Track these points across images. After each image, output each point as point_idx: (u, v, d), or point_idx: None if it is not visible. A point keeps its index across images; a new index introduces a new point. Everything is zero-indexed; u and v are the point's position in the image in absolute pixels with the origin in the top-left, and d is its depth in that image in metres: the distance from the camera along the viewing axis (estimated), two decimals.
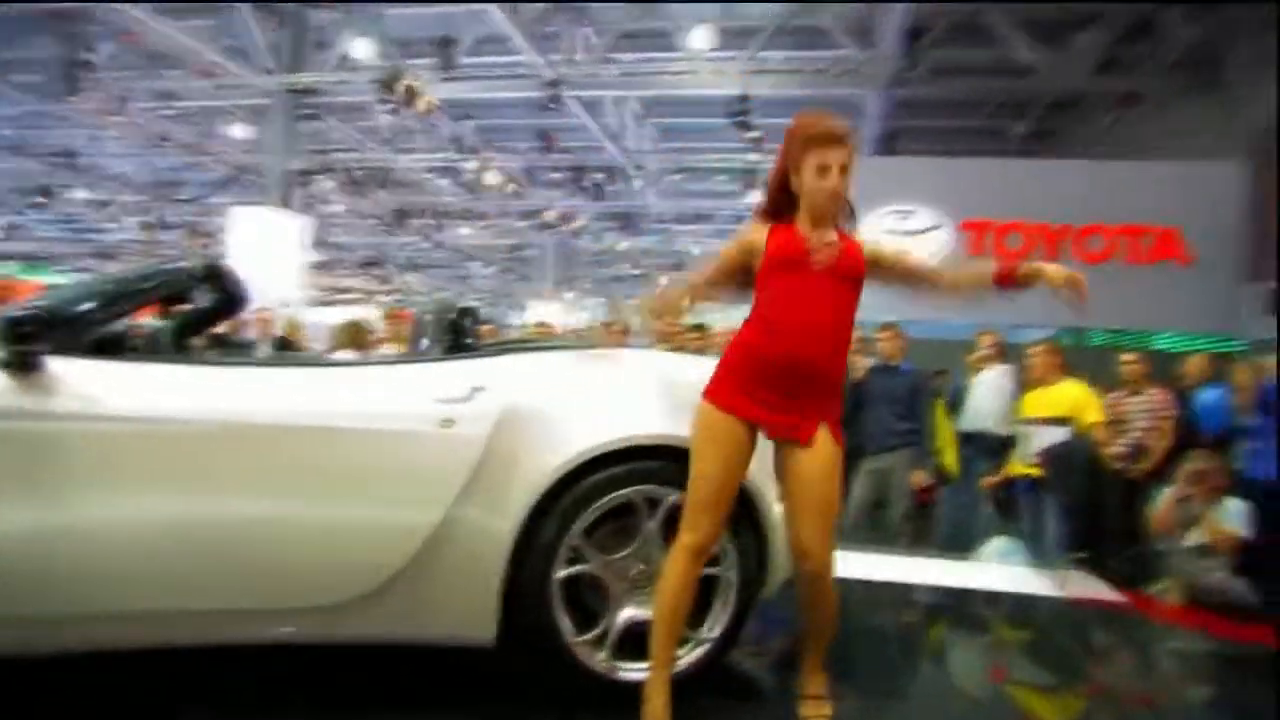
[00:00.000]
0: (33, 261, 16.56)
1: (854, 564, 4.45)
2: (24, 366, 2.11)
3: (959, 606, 4.26)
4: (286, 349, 6.35)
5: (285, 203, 12.43)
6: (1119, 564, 4.65)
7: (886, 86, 11.08)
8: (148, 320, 2.83)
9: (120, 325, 2.56)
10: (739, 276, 2.43)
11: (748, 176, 14.90)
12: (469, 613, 2.38)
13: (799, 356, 2.25)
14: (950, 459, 5.50)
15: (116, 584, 2.17)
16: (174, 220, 17.94)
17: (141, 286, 2.60)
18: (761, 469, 2.51)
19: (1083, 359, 6.14)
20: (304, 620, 2.31)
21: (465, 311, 2.84)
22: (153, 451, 2.19)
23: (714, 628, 2.54)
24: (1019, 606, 4.21)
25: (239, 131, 14.33)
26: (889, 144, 13.08)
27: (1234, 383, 5.18)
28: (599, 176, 15.16)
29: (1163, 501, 4.67)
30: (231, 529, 2.22)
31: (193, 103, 13.31)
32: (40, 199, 15.79)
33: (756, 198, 13.93)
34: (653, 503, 2.47)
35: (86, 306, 2.36)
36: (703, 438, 2.29)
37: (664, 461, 2.46)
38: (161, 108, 12.77)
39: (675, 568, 2.26)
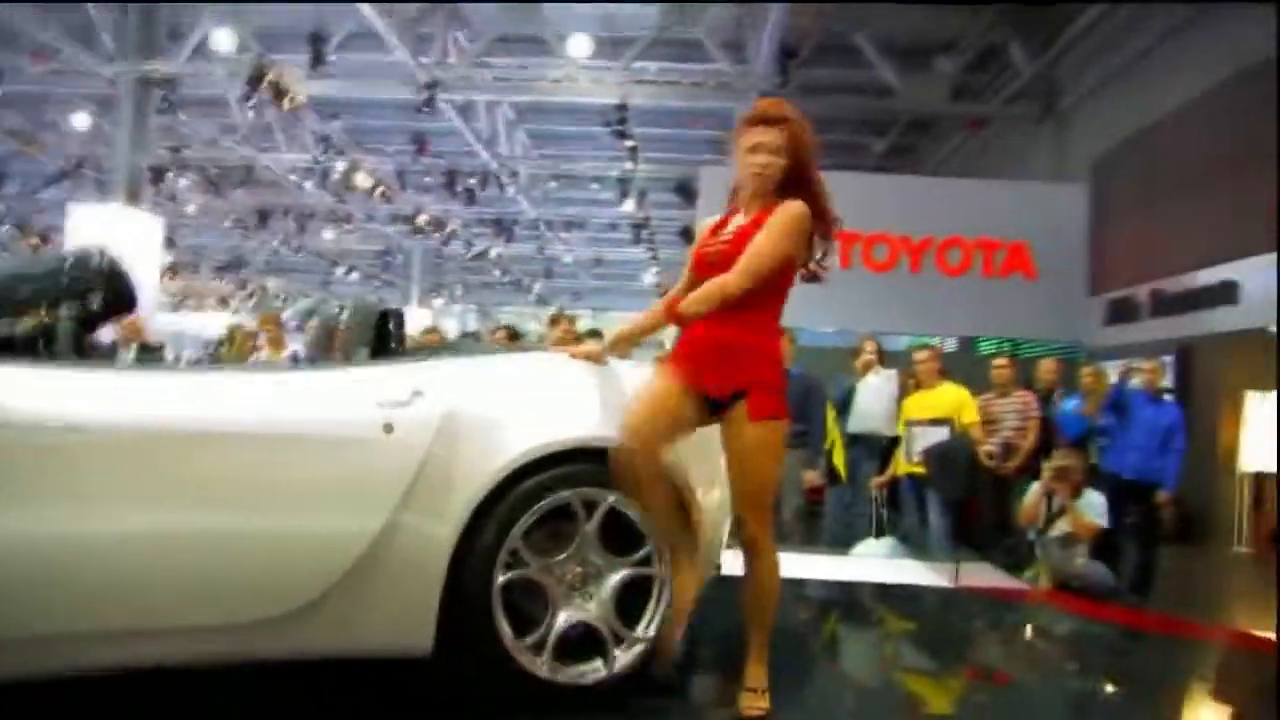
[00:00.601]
0: None
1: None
2: None
3: (850, 599, 4.45)
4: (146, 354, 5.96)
5: (133, 200, 11.61)
6: (995, 554, 4.98)
7: (757, 99, 11.48)
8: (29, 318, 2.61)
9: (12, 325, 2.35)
10: None
11: (623, 184, 15.07)
12: (408, 622, 2.32)
13: (707, 337, 2.48)
14: (839, 459, 5.75)
15: (34, 605, 1.99)
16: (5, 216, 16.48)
17: (34, 282, 2.40)
18: (689, 457, 2.57)
19: (956, 364, 6.55)
20: (236, 637, 2.18)
21: (389, 315, 2.76)
22: (73, 462, 2.03)
23: (650, 627, 2.56)
24: (907, 597, 4.44)
25: (80, 121, 13.29)
26: None
27: (1082, 388, 5.63)
28: (472, 181, 14.95)
29: (1030, 495, 5.03)
30: (159, 542, 2.08)
31: (24, 87, 12.27)
32: None
33: (628, 206, 14.14)
34: (590, 505, 2.46)
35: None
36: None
37: (601, 464, 2.47)
38: None
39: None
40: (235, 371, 2.61)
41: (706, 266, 2.52)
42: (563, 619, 2.46)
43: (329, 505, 2.22)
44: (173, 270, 17.93)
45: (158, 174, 12.67)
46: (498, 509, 2.35)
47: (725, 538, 2.89)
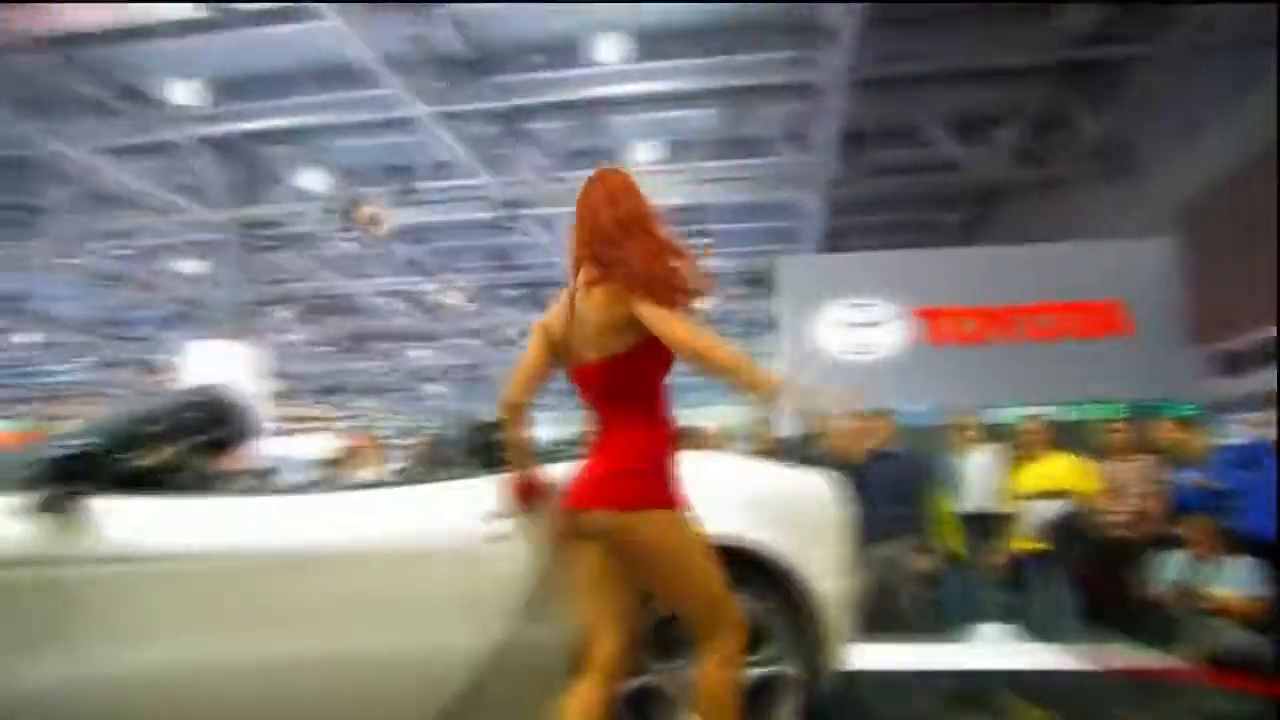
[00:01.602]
0: None
1: (866, 655, 4.41)
2: (63, 507, 2.04)
3: (981, 690, 4.20)
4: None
5: (239, 334, 12.31)
6: (1133, 630, 4.66)
7: (825, 188, 11.61)
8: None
9: (142, 460, 2.49)
10: None
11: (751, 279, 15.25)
12: None
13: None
14: (953, 540, 5.53)
15: None
16: (124, 358, 17.58)
17: (157, 418, 2.54)
18: (802, 545, 2.52)
19: (1064, 433, 6.29)
20: None
21: (492, 426, 2.82)
22: (199, 587, 2.11)
23: None
24: (1043, 684, 4.17)
25: (189, 266, 14.26)
26: (833, 242, 13.61)
27: (1194, 449, 5.29)
28: (551, 291, 15.36)
29: (1172, 565, 4.73)
30: (289, 664, 2.12)
31: (145, 242, 13.27)
32: None
33: (707, 302, 14.15)
34: None
35: (113, 443, 2.30)
36: (697, 542, 2.19)
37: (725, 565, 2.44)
38: (112, 248, 12.68)
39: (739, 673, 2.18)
40: (352, 491, 2.68)
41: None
42: None
43: (444, 621, 2.24)
44: (279, 397, 18.76)
45: (259, 308, 13.40)
46: None
47: (850, 632, 2.80)
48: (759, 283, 14.40)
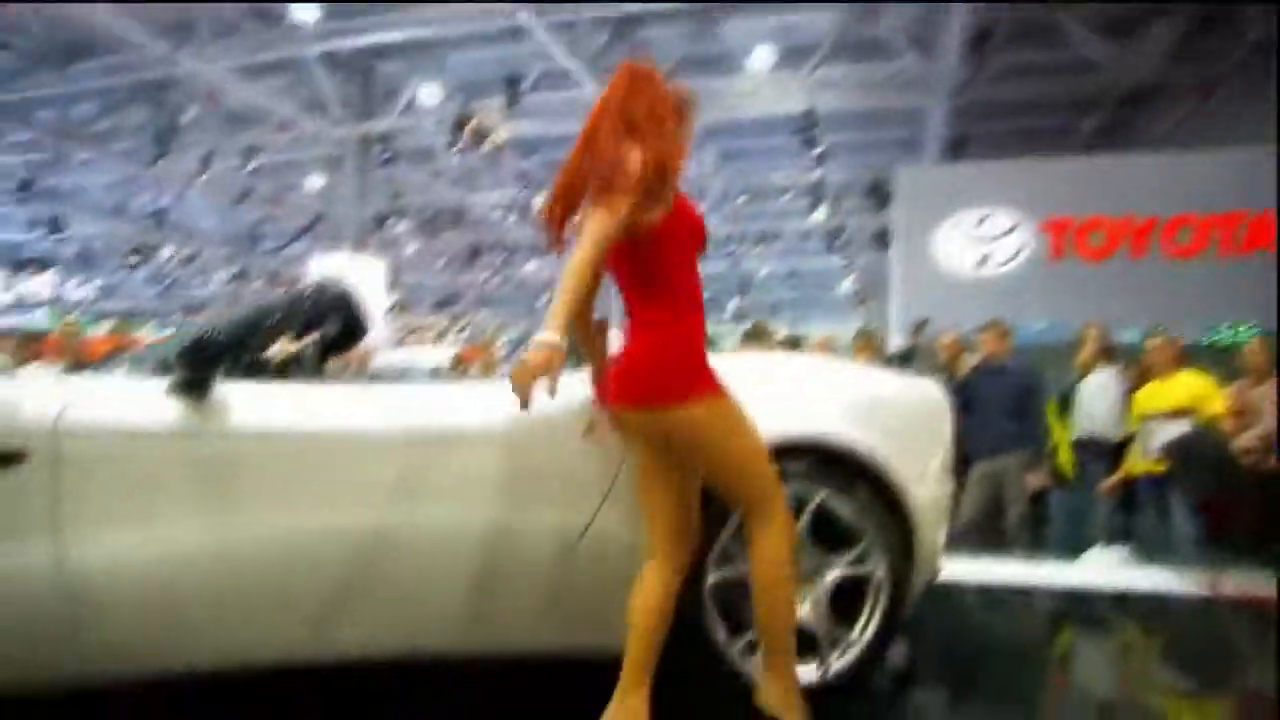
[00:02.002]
0: (130, 318, 17.33)
1: (969, 569, 4.38)
2: (196, 389, 2.22)
3: (1085, 610, 4.13)
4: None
5: (360, 247, 12.82)
6: (1259, 560, 4.44)
7: (950, 94, 11.00)
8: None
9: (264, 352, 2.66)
10: None
11: (814, 193, 14.89)
12: (618, 620, 2.39)
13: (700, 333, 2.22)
14: (1064, 460, 5.36)
15: (290, 595, 2.25)
16: (257, 271, 18.61)
17: (280, 312, 2.70)
18: (898, 449, 2.51)
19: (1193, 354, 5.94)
20: (466, 632, 2.35)
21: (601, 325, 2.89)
22: (320, 464, 2.27)
23: (866, 629, 2.51)
24: (1151, 607, 4.06)
25: (314, 182, 14.84)
26: (957, 151, 12.96)
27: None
28: None
29: None
30: (397, 538, 2.28)
31: (272, 158, 13.85)
32: (134, 258, 16.56)
33: (820, 214, 13.73)
34: (799, 503, 2.46)
35: (240, 333, 2.47)
36: (741, 414, 2.15)
37: (810, 461, 2.46)
38: (243, 165, 13.30)
39: (791, 552, 2.19)
40: (450, 385, 2.81)
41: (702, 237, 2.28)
42: None
43: (536, 504, 2.33)
44: (396, 309, 19.47)
45: (379, 222, 13.87)
46: (709, 508, 2.38)
47: (943, 540, 2.79)
48: (876, 195, 13.94)
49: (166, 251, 16.26)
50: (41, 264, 18.09)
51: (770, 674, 2.19)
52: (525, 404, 1.85)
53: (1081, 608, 4.13)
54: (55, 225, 14.87)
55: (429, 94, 12.07)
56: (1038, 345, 7.84)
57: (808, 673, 2.45)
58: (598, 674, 2.21)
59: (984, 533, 5.05)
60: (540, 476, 2.38)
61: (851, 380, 2.80)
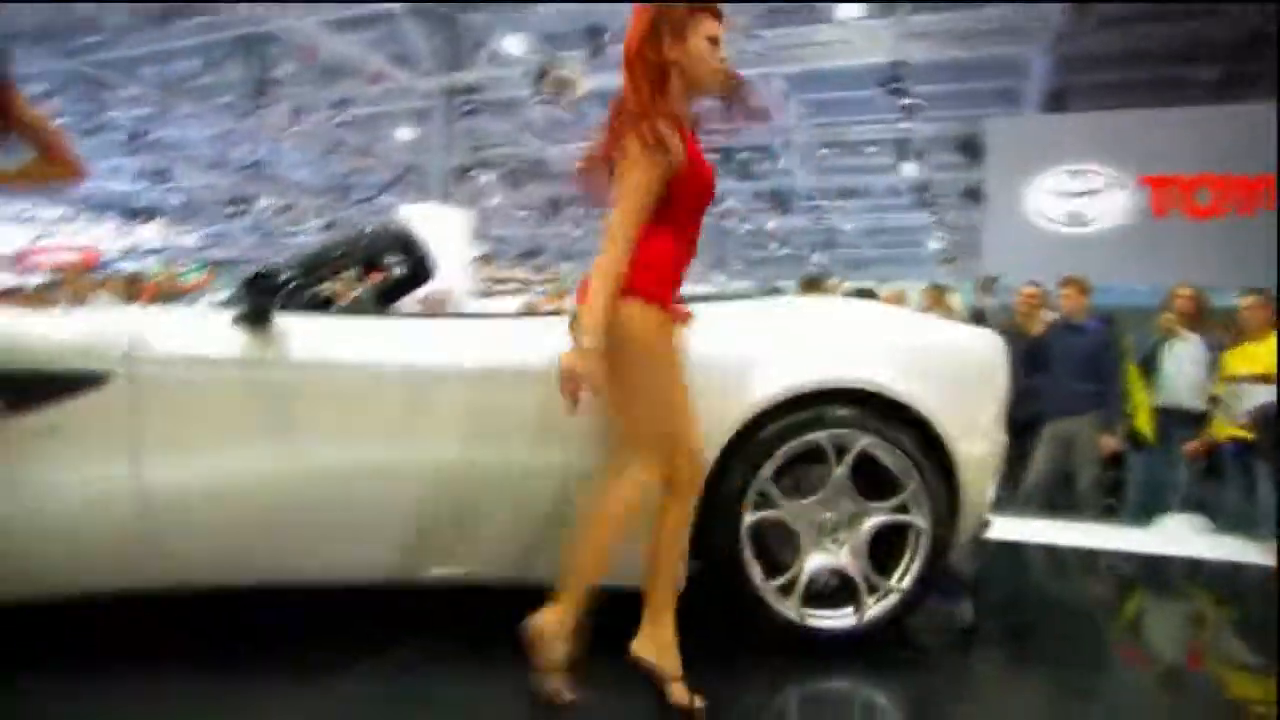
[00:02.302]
0: (233, 265, 18.17)
1: (1037, 530, 4.30)
2: (258, 320, 2.35)
3: (1156, 575, 4.02)
4: None
5: (448, 199, 13.05)
6: None
7: (1052, 42, 10.46)
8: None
9: (327, 289, 2.79)
10: None
11: (901, 146, 14.46)
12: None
13: (686, 265, 2.20)
14: (1143, 422, 5.16)
15: (350, 518, 2.38)
16: (348, 220, 19.16)
17: (343, 250, 2.81)
18: (949, 407, 2.48)
19: None
20: (499, 560, 2.45)
21: None
22: (375, 396, 2.38)
23: (905, 577, 2.51)
24: (1227, 575, 3.92)
25: (404, 133, 15.13)
26: (1056, 103, 12.35)
27: None
28: (745, 155, 15.06)
29: None
30: (443, 469, 2.38)
31: (363, 110, 14.17)
32: (235, 208, 17.28)
33: (909, 169, 13.22)
34: (842, 449, 2.46)
35: (301, 268, 2.59)
36: (658, 349, 2.06)
37: (852, 407, 2.46)
38: (335, 116, 13.64)
39: (631, 508, 2.10)
40: (509, 320, 2.88)
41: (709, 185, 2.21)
42: (813, 563, 2.48)
43: (577, 442, 2.38)
44: (482, 259, 19.82)
45: (464, 173, 14.08)
46: (747, 449, 2.42)
47: (991, 495, 2.76)
48: (968, 149, 13.42)
49: (263, 202, 16.90)
50: (150, 213, 19.08)
51: (555, 601, 2.09)
52: (574, 408, 1.95)
53: (1152, 574, 4.02)
54: (162, 176, 15.61)
55: (513, 45, 12.13)
56: (1132, 307, 7.52)
57: (845, 616, 2.49)
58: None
59: (1054, 494, 4.93)
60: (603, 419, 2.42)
61: (901, 327, 2.77)
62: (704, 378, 2.41)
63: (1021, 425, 4.99)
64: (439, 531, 2.42)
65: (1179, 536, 4.46)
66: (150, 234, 20.20)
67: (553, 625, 2.06)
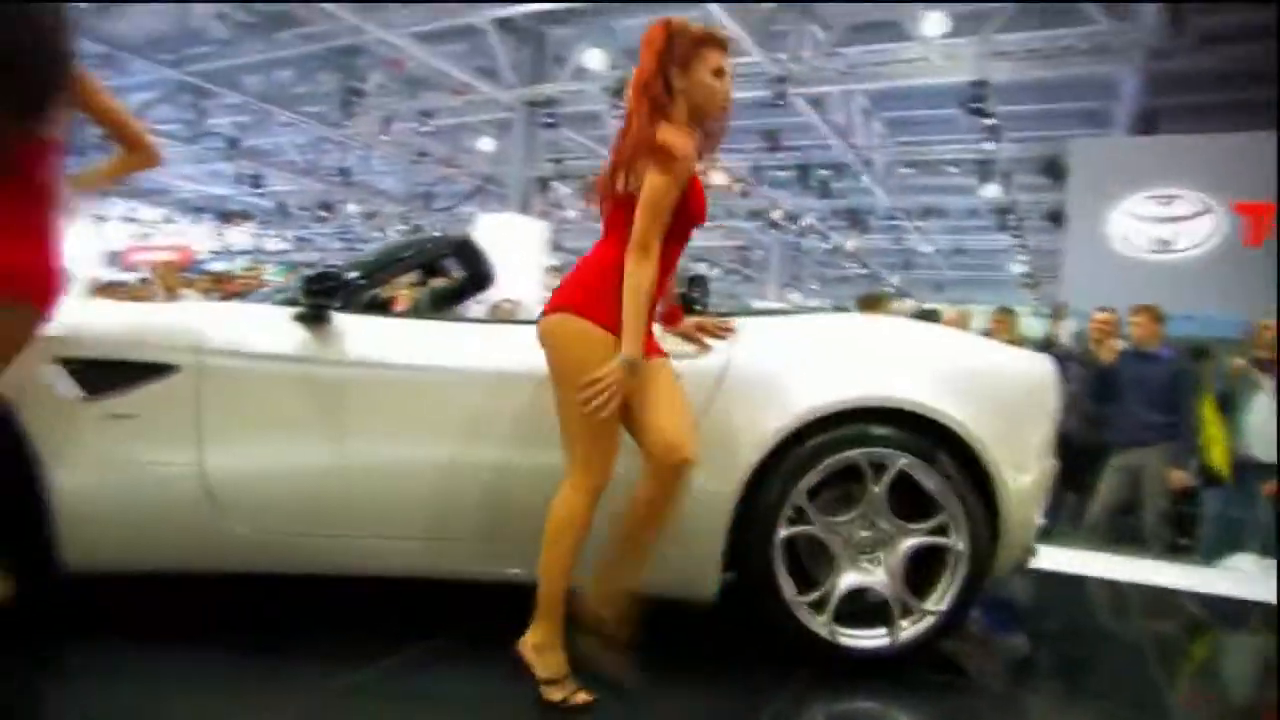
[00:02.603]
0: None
1: (1100, 564, 4.17)
2: (317, 319, 2.47)
3: (1224, 616, 3.85)
4: None
5: (525, 209, 13.31)
6: None
7: (1145, 60, 10.14)
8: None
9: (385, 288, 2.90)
10: None
11: (983, 167, 14.16)
12: (690, 569, 2.47)
13: (659, 291, 2.20)
14: (1218, 457, 4.95)
15: (393, 513, 2.48)
16: (430, 228, 19.72)
17: (403, 254, 2.92)
18: (993, 431, 2.45)
19: None
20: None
21: (693, 281, 2.97)
22: (425, 397, 2.48)
23: (941, 601, 2.48)
24: None
25: (485, 144, 15.50)
26: (1146, 125, 11.94)
27: None
28: (825, 174, 14.95)
29: None
30: (487, 470, 2.45)
31: (447, 121, 14.58)
32: (323, 214, 17.94)
33: (991, 190, 12.93)
34: (879, 467, 2.45)
35: (362, 271, 2.71)
36: (594, 365, 2.08)
37: (890, 425, 2.45)
38: (420, 127, 14.05)
39: (583, 515, 2.13)
40: None
41: (700, 211, 2.26)
42: (846, 581, 2.47)
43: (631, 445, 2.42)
44: (556, 271, 20.13)
45: (544, 185, 14.34)
46: (782, 465, 2.43)
47: (1038, 521, 2.70)
48: (1052, 171, 13.07)
49: (350, 208, 17.51)
50: (244, 216, 19.97)
51: (535, 622, 2.16)
52: (605, 412, 2.04)
53: (1220, 615, 3.86)
54: (256, 181, 16.31)
55: (594, 60, 12.32)
56: (1215, 338, 7.22)
57: (877, 636, 2.47)
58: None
59: (1120, 527, 4.77)
60: None
61: (948, 348, 2.75)
62: (744, 389, 2.46)
63: (1089, 453, 4.86)
64: (507, 533, 2.48)
65: (1251, 578, 4.26)
66: (242, 236, 21.14)
67: (541, 641, 2.15)
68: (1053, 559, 2.86)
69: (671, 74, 2.14)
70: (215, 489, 2.42)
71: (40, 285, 2.19)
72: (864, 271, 22.19)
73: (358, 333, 2.52)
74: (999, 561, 2.58)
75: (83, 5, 10.49)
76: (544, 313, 2.21)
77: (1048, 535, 4.14)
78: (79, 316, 2.49)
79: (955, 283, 23.84)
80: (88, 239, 20.22)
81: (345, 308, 2.55)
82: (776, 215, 16.90)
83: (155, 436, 2.42)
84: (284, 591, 2.67)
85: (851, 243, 19.29)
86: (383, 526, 2.49)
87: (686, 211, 2.18)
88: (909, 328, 2.96)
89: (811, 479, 2.44)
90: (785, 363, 2.55)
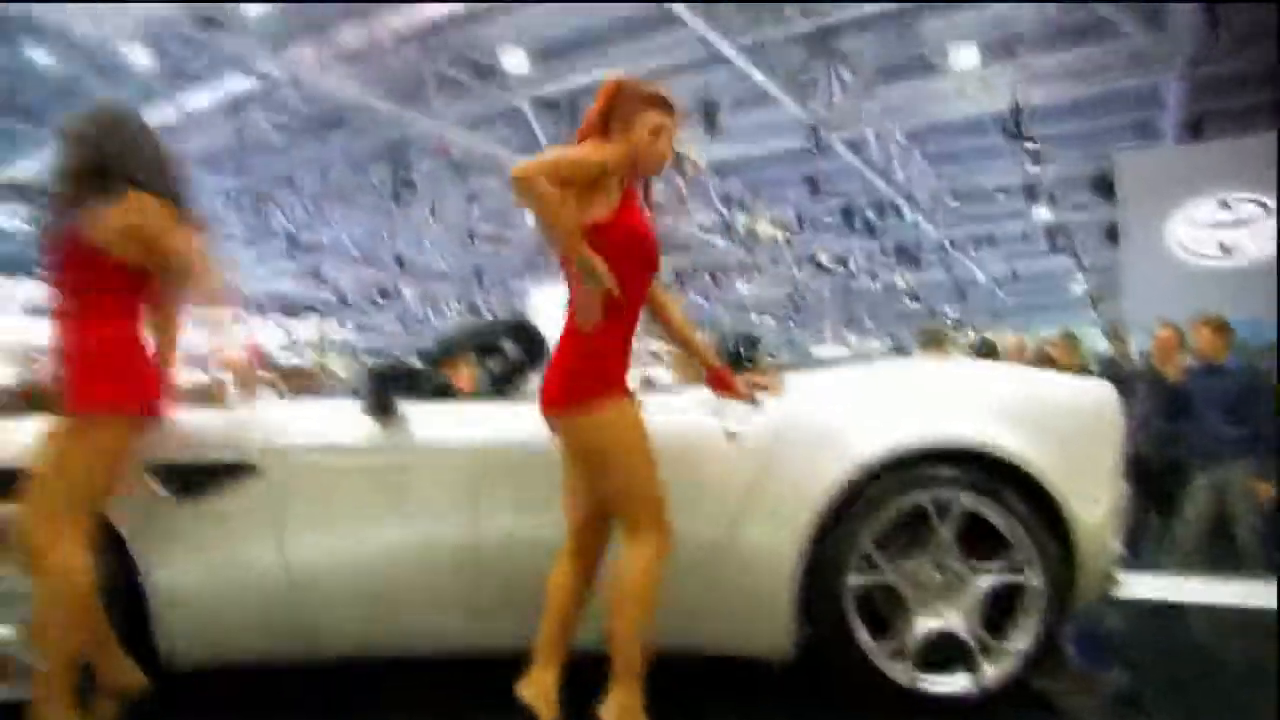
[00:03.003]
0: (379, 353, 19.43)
1: (1196, 589, 4.01)
2: (383, 409, 2.58)
3: None
4: None
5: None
6: None
7: (1185, 67, 10.00)
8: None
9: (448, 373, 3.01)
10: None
11: (1030, 191, 14.03)
12: (760, 625, 2.49)
13: (631, 339, 2.31)
14: None
15: (478, 591, 2.55)
16: (484, 304, 20.17)
17: (461, 338, 3.04)
18: (1057, 462, 2.43)
19: None
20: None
21: (743, 339, 3.02)
22: (496, 476, 2.55)
23: (1022, 639, 2.44)
24: None
25: (534, 219, 15.91)
26: (1194, 132, 11.73)
27: None
28: (869, 214, 14.96)
29: None
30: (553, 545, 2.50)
31: (494, 202, 15.04)
32: (380, 300, 18.56)
33: (1041, 213, 12.75)
34: (943, 509, 2.45)
35: (423, 358, 2.83)
36: (635, 434, 2.23)
37: (953, 466, 2.45)
38: (469, 208, 14.52)
39: (653, 575, 2.21)
40: None
41: (644, 264, 2.33)
42: (922, 626, 2.45)
43: (676, 510, 2.46)
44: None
45: None
46: (847, 514, 2.44)
47: (1116, 549, 2.65)
48: (1103, 187, 12.88)
49: (407, 291, 18.07)
50: (309, 309, 20.74)
51: (615, 686, 2.20)
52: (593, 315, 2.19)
53: None
54: (317, 275, 16.97)
55: None
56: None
57: (961, 682, 2.44)
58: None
59: (1213, 549, 4.59)
60: (700, 486, 2.50)
61: (1005, 384, 2.74)
62: (802, 441, 2.49)
63: (1168, 473, 4.71)
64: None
65: None
66: (308, 329, 21.94)
67: (619, 709, 2.19)
68: (1145, 586, 2.76)
69: (613, 126, 2.25)
70: (298, 580, 2.52)
71: (143, 396, 2.38)
72: (918, 307, 21.95)
73: (425, 419, 2.62)
74: (1079, 593, 2.54)
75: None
76: (544, 411, 2.27)
77: (1135, 561, 4.04)
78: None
79: (1013, 310, 23.42)
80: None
81: (412, 394, 2.67)
82: (824, 259, 16.91)
83: (238, 534, 2.54)
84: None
85: (903, 279, 19.15)
86: (460, 606, 2.55)
87: (632, 251, 2.25)
88: (965, 367, 2.97)
89: (877, 526, 2.44)
90: (843, 412, 2.57)
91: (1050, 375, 3.10)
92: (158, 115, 10.84)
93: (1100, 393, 2.74)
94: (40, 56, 9.87)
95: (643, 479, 2.22)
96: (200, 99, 11.29)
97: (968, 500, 2.43)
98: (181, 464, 2.55)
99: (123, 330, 2.37)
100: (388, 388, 2.59)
